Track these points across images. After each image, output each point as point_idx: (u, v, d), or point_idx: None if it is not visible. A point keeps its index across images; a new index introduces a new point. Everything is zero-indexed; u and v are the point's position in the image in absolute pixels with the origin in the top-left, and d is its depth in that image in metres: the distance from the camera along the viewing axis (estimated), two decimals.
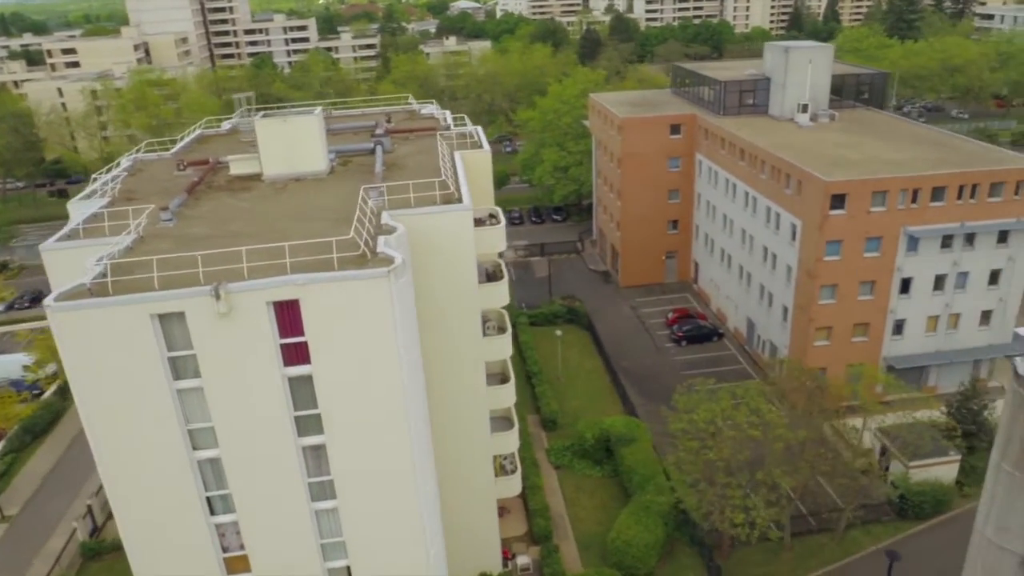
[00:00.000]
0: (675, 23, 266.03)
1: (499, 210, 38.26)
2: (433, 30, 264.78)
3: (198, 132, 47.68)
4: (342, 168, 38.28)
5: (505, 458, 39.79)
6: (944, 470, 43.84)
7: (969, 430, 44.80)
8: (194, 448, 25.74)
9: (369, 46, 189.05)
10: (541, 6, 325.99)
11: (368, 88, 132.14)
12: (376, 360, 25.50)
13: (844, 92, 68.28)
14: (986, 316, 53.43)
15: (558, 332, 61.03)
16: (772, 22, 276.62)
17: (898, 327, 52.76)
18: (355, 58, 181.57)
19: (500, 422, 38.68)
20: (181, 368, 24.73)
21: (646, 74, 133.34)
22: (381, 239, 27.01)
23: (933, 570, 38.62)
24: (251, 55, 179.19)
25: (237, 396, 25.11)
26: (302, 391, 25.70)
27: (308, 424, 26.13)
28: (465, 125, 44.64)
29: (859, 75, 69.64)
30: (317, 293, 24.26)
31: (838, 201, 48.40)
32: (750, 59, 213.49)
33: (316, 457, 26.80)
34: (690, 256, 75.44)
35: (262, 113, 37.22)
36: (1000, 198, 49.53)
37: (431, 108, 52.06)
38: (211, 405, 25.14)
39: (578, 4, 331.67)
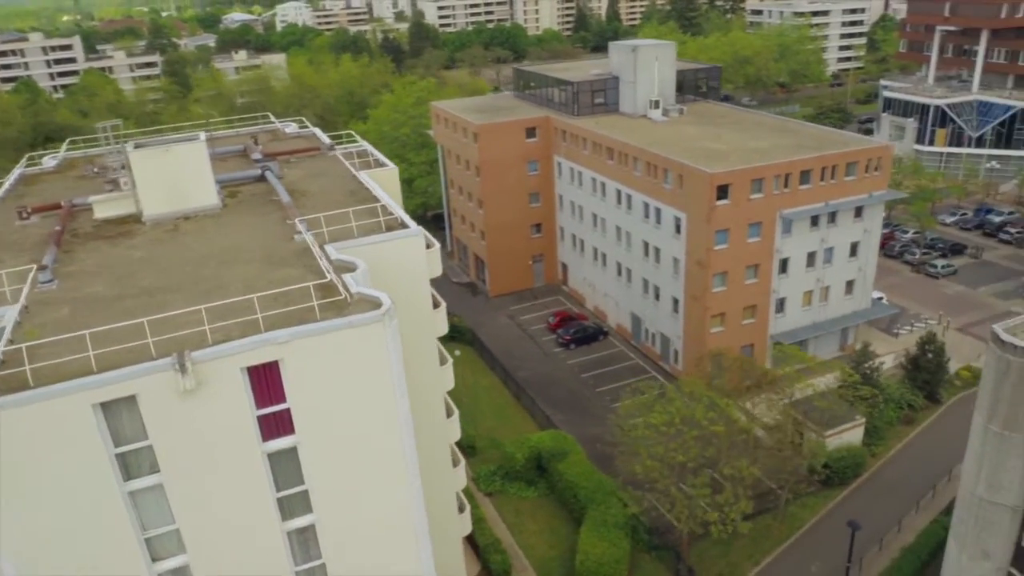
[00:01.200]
0: (469, 27, 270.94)
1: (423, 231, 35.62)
2: (212, 44, 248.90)
3: (19, 172, 40.05)
4: (233, 200, 33.71)
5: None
6: (852, 435, 47.37)
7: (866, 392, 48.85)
8: (154, 560, 21.03)
9: (149, 64, 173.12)
10: (326, 16, 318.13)
11: (155, 110, 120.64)
12: (372, 417, 22.37)
13: (684, 87, 72.22)
14: (849, 286, 58.71)
15: (456, 352, 58.69)
16: (560, 24, 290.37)
17: (780, 305, 56.47)
18: (134, 78, 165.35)
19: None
20: (133, 465, 20.06)
21: (464, 79, 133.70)
22: (348, 278, 23.79)
23: (871, 528, 41.44)
24: (5, 80, 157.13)
25: (206, 487, 20.84)
26: (285, 466, 21.93)
27: (294, 504, 22.36)
28: (357, 143, 41.43)
29: (696, 70, 74.05)
30: (302, 350, 20.71)
31: (722, 192, 50.76)
32: (553, 61, 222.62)
33: (303, 542, 23.02)
34: (556, 258, 76.16)
35: (133, 143, 31.81)
36: (854, 177, 54.57)
37: (293, 126, 47.87)
38: (174, 504, 20.65)
39: (364, 13, 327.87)
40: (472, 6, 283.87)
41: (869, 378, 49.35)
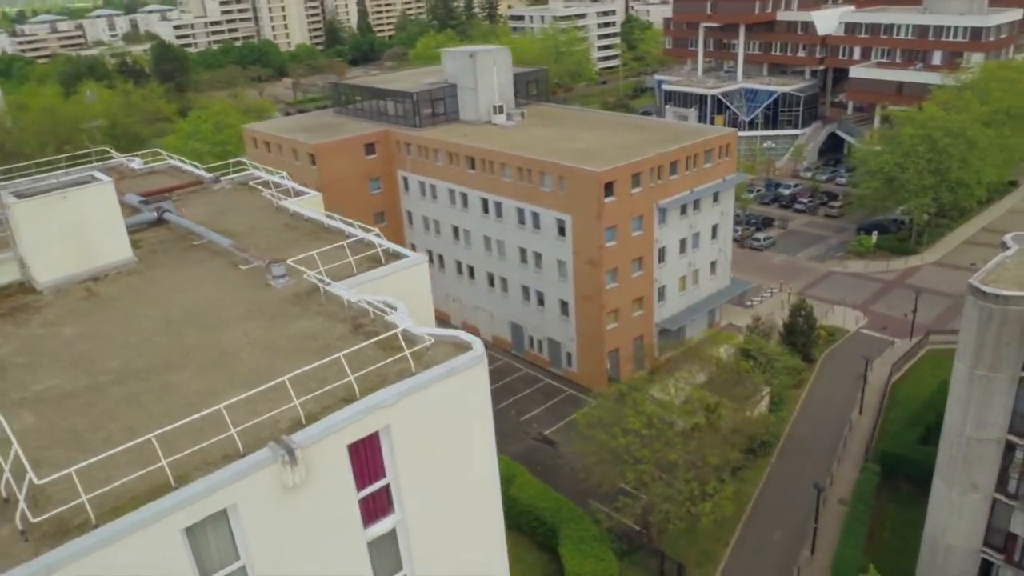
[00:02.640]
0: (213, 47, 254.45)
1: None
2: None
3: None
4: (141, 252, 28.08)
5: None
6: (762, 405, 50.69)
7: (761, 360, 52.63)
8: None
9: None
10: (31, 42, 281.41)
11: None
12: (471, 473, 19.64)
13: (517, 90, 73.06)
14: (713, 267, 62.87)
15: None
16: (311, 38, 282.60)
17: (661, 293, 59.00)
18: None
19: None
20: None
21: (248, 100, 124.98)
22: (397, 320, 20.71)
23: (807, 486, 44.64)
24: None
25: None
26: (384, 552, 18.47)
27: None
28: (249, 171, 36.65)
29: (526, 73, 75.22)
30: (406, 411, 17.52)
31: (608, 189, 51.88)
32: (314, 75, 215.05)
33: None
34: None
35: (9, 190, 25.28)
36: (711, 164, 58.52)
37: (138, 161, 41.23)
38: None
39: (77, 37, 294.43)
40: (213, 23, 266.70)
41: (761, 349, 53.16)
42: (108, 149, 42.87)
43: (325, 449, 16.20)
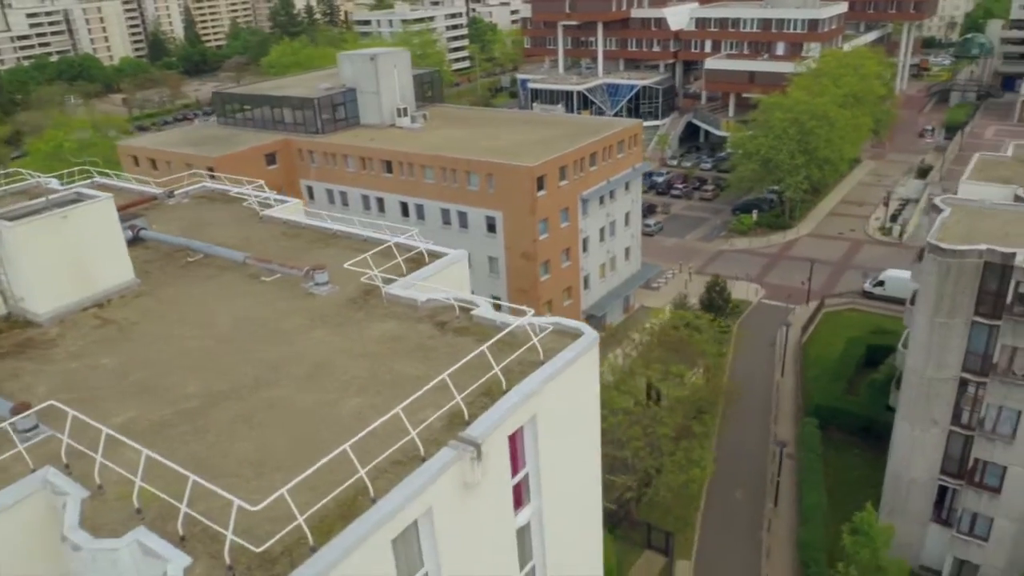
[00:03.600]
0: (24, 63, 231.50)
1: None
2: None
3: None
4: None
5: None
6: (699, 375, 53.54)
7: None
8: None
9: None
10: None
11: None
12: (585, 461, 19.81)
13: (415, 93, 72.44)
14: (627, 252, 65.50)
15: None
16: (136, 50, 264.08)
17: (586, 282, 60.75)
18: None
19: None
20: None
21: (96, 116, 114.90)
22: (485, 314, 20.55)
23: (754, 443, 47.73)
24: None
25: None
26: (522, 545, 18.30)
27: None
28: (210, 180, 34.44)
29: (422, 74, 74.64)
30: (547, 398, 17.47)
31: (539, 183, 52.80)
32: (148, 89, 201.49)
33: None
34: None
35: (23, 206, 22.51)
36: (623, 154, 60.95)
37: (54, 182, 37.46)
38: None
39: None
40: (21, 38, 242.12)
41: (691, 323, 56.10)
42: (21, 170, 38.51)
43: (493, 443, 15.88)
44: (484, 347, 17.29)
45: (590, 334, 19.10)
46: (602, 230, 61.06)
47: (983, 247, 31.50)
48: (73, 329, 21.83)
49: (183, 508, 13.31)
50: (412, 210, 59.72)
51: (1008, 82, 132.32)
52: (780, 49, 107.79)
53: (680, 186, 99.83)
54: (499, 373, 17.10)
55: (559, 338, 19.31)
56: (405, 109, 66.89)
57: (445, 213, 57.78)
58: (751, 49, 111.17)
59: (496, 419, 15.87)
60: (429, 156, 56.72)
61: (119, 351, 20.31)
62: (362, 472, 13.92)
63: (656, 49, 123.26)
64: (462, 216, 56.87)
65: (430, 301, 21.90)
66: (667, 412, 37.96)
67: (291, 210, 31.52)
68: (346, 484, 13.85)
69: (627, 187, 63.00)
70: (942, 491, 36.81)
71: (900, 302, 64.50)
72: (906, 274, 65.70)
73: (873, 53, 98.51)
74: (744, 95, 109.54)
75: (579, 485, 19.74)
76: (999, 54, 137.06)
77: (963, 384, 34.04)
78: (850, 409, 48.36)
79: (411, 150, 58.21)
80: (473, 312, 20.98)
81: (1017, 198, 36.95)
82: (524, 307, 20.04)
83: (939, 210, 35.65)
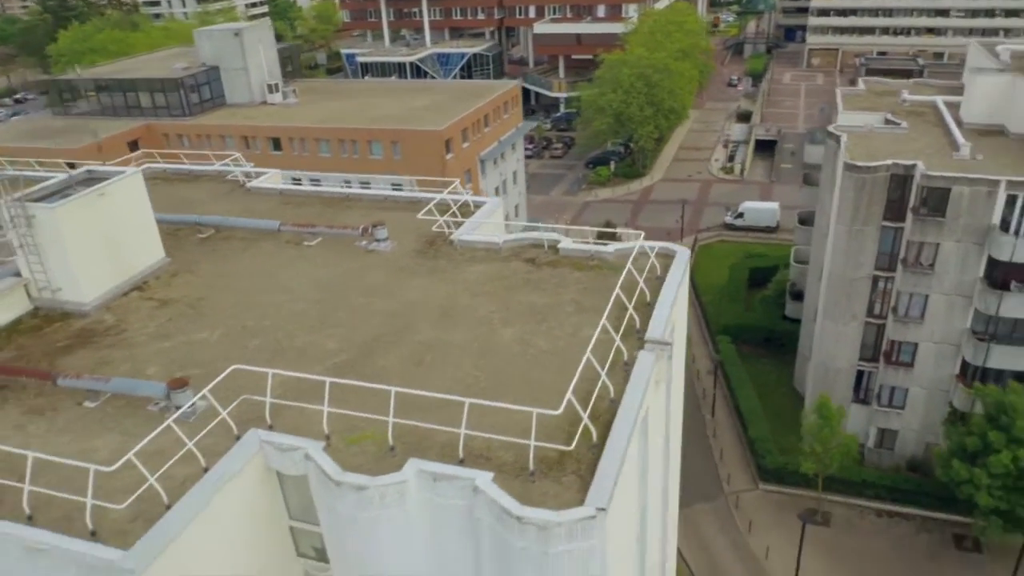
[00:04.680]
0: None
1: None
2: None
3: None
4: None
5: None
6: None
7: None
8: None
9: None
10: None
11: None
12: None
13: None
14: (516, 209, 67.50)
15: None
16: None
17: None
18: None
19: None
20: None
21: None
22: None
23: None
24: None
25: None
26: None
27: None
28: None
29: (282, 49, 71.24)
30: (680, 303, 19.13)
31: (446, 147, 53.20)
32: None
33: None
34: None
35: (37, 189, 20.19)
36: (508, 115, 62.54)
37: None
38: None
39: None
40: None
41: None
42: None
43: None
44: (628, 267, 18.58)
45: (683, 251, 20.85)
46: (497, 189, 62.53)
47: (889, 162, 36.76)
48: (130, 314, 20.32)
49: (462, 431, 13.60)
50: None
51: (790, 33, 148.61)
52: (601, 11, 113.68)
53: (529, 147, 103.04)
54: (644, 288, 18.50)
55: (659, 258, 20.89)
56: (276, 85, 63.95)
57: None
58: (574, 13, 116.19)
59: (662, 323, 17.25)
60: (325, 128, 55.10)
61: (211, 325, 19.30)
62: (603, 375, 14.88)
63: (481, 17, 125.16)
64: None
65: (509, 241, 22.63)
66: None
67: (272, 180, 30.37)
68: (570, 391, 14.74)
69: (513, 147, 64.80)
70: (859, 375, 42.65)
71: (759, 230, 72.31)
72: (761, 205, 73.53)
73: (692, 10, 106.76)
74: (573, 56, 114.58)
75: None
76: (779, 8, 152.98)
77: (875, 281, 39.60)
78: (753, 324, 53.92)
79: (301, 124, 56.16)
80: (560, 245, 22.06)
81: (887, 121, 43.04)
82: (633, 230, 21.38)
83: (835, 137, 40.82)
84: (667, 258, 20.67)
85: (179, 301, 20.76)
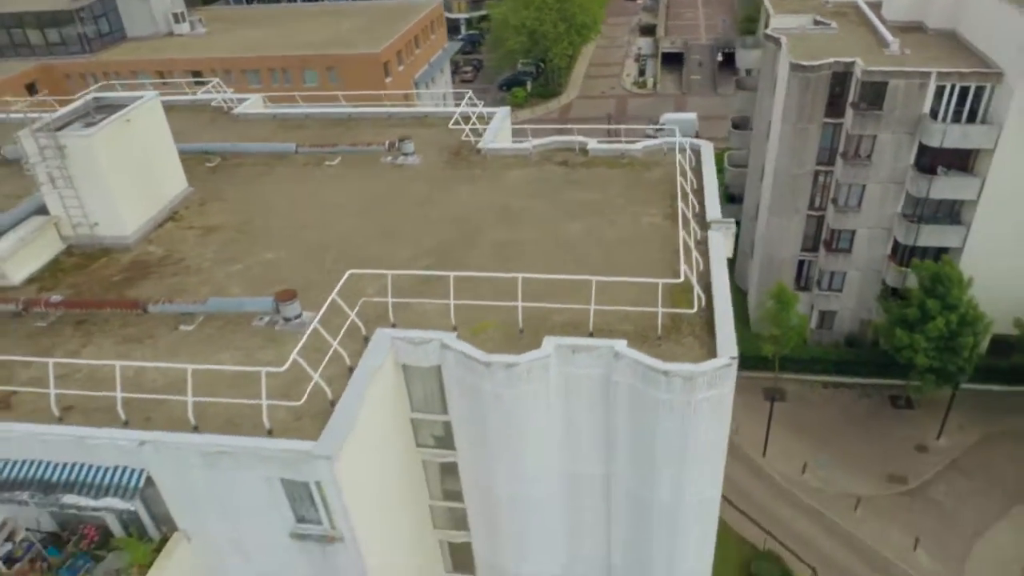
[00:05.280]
0: None
1: None
2: None
3: None
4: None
5: None
6: None
7: None
8: None
9: None
10: None
11: None
12: None
13: None
14: None
15: None
16: None
17: None
18: None
19: None
20: None
21: None
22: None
23: None
24: None
25: None
26: None
27: None
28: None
29: None
30: (711, 187, 20.82)
31: (385, 70, 52.38)
32: None
33: None
34: None
35: (63, 116, 19.40)
36: (435, 35, 61.77)
37: None
38: None
39: None
40: None
41: None
42: None
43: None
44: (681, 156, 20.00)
45: (707, 144, 22.50)
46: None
47: (831, 60, 39.41)
48: (177, 243, 20.34)
49: (591, 307, 14.89)
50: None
51: None
52: None
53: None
54: (691, 174, 20.07)
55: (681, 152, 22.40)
56: (182, 14, 60.41)
57: None
58: None
59: (717, 206, 18.92)
60: (253, 58, 52.98)
61: (272, 247, 19.62)
62: (691, 247, 16.47)
63: None
64: None
65: (538, 146, 23.61)
66: None
67: (255, 106, 29.80)
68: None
69: (442, 70, 64.28)
70: (800, 265, 46.39)
71: None
72: (680, 116, 76.27)
73: None
74: None
75: None
76: None
77: (816, 176, 42.83)
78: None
79: (223, 55, 53.74)
80: (589, 147, 23.28)
81: (816, 22, 45.75)
82: (663, 126, 22.72)
83: (774, 39, 43.12)
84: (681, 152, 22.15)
85: (223, 228, 20.75)
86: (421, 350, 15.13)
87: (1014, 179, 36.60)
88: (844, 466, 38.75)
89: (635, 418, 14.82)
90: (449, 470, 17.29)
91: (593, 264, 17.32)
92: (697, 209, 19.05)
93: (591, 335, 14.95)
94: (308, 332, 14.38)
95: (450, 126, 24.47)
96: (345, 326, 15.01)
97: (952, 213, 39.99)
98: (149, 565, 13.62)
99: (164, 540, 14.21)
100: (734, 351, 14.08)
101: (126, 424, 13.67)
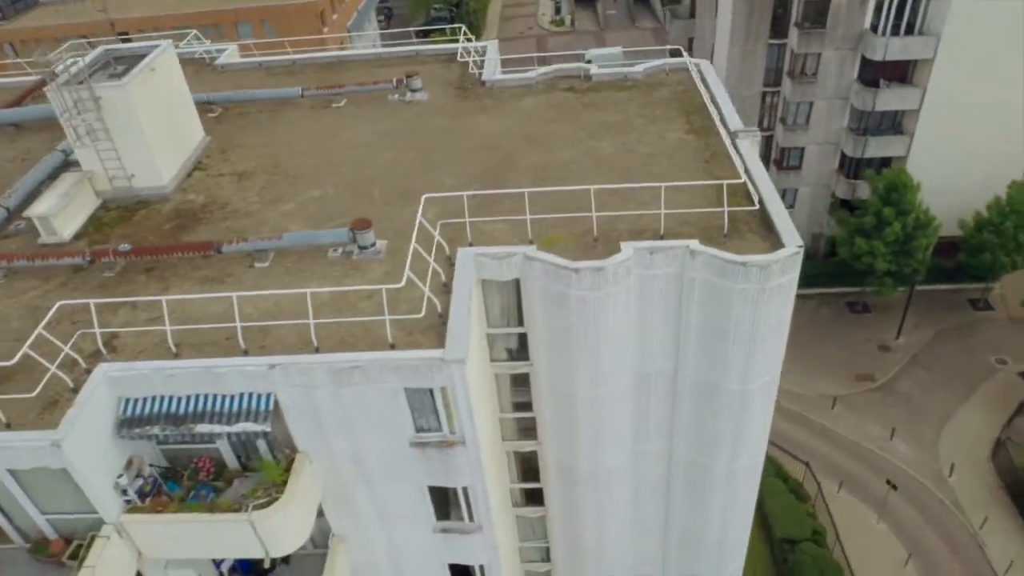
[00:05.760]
0: None
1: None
2: None
3: None
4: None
5: None
6: None
7: None
8: None
9: None
10: None
11: None
12: None
13: None
14: None
15: None
16: None
17: None
18: None
19: None
20: None
21: None
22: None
23: None
24: None
25: None
26: None
27: None
28: None
29: None
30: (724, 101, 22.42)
31: (321, 19, 51.63)
32: None
33: None
34: None
35: (84, 69, 19.14)
36: None
37: None
38: None
39: None
40: None
41: None
42: None
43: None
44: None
45: (706, 63, 23.96)
46: None
47: None
48: (216, 189, 20.67)
49: (662, 212, 16.28)
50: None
51: None
52: None
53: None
54: (704, 92, 21.53)
55: (683, 72, 23.85)
56: None
57: None
58: None
59: (735, 116, 20.47)
60: (183, 15, 51.25)
61: (314, 185, 20.15)
62: (738, 156, 18.00)
63: None
64: None
65: (541, 75, 24.58)
66: None
67: (233, 56, 29.55)
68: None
69: (370, 20, 63.51)
70: None
71: None
72: (605, 51, 77.60)
73: None
74: None
75: None
76: None
77: (764, 96, 45.23)
78: None
79: (148, 13, 51.78)
80: (591, 72, 24.43)
81: None
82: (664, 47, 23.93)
83: None
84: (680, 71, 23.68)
85: (256, 172, 21.05)
86: (504, 264, 16.19)
87: (952, 87, 39.80)
88: (816, 370, 42.10)
89: (707, 310, 16.36)
90: (519, 382, 18.57)
91: (636, 176, 18.62)
92: (717, 120, 20.53)
93: (662, 237, 16.35)
94: (410, 252, 15.28)
95: (459, 59, 25.00)
96: (434, 247, 15.93)
97: (895, 124, 43.12)
98: (284, 483, 14.45)
99: (290, 462, 15.05)
100: (800, 240, 15.75)
101: (246, 352, 14.34)
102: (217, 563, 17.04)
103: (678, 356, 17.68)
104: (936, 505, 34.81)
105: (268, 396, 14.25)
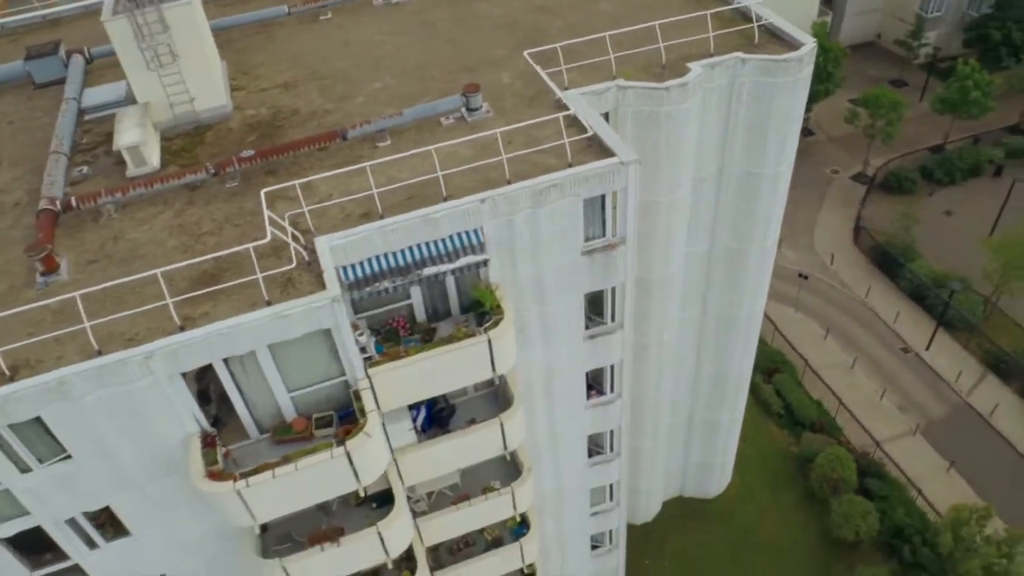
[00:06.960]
0: None
1: None
2: None
3: None
4: None
5: None
6: None
7: None
8: None
9: None
10: None
11: None
12: None
13: None
14: None
15: None
16: None
17: None
18: None
19: None
20: None
21: None
22: None
23: None
24: None
25: None
26: None
27: None
28: None
29: None
30: None
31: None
32: None
33: None
34: None
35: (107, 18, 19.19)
36: None
37: None
38: None
39: None
40: None
41: None
42: None
43: None
44: None
45: None
46: None
47: None
48: (273, 100, 21.65)
49: (710, 35, 20.15)
50: None
51: None
52: None
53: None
54: None
55: None
56: None
57: None
58: None
59: None
60: None
61: (371, 79, 21.67)
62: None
63: None
64: None
65: None
66: None
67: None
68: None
69: None
70: None
71: None
72: None
73: None
74: None
75: None
76: None
77: None
78: None
79: None
80: None
81: None
82: None
83: None
84: None
85: (300, 82, 22.06)
86: (602, 98, 19.38)
87: None
88: None
89: (752, 109, 20.70)
90: None
91: (652, 19, 22.11)
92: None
93: (712, 55, 20.26)
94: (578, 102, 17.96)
95: None
96: (558, 92, 18.67)
97: None
98: (499, 307, 16.91)
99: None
100: (813, 41, 20.33)
101: (445, 199, 16.41)
102: (413, 413, 18.73)
103: (724, 157, 21.96)
104: (828, 288, 42.91)
105: (477, 231, 16.55)
